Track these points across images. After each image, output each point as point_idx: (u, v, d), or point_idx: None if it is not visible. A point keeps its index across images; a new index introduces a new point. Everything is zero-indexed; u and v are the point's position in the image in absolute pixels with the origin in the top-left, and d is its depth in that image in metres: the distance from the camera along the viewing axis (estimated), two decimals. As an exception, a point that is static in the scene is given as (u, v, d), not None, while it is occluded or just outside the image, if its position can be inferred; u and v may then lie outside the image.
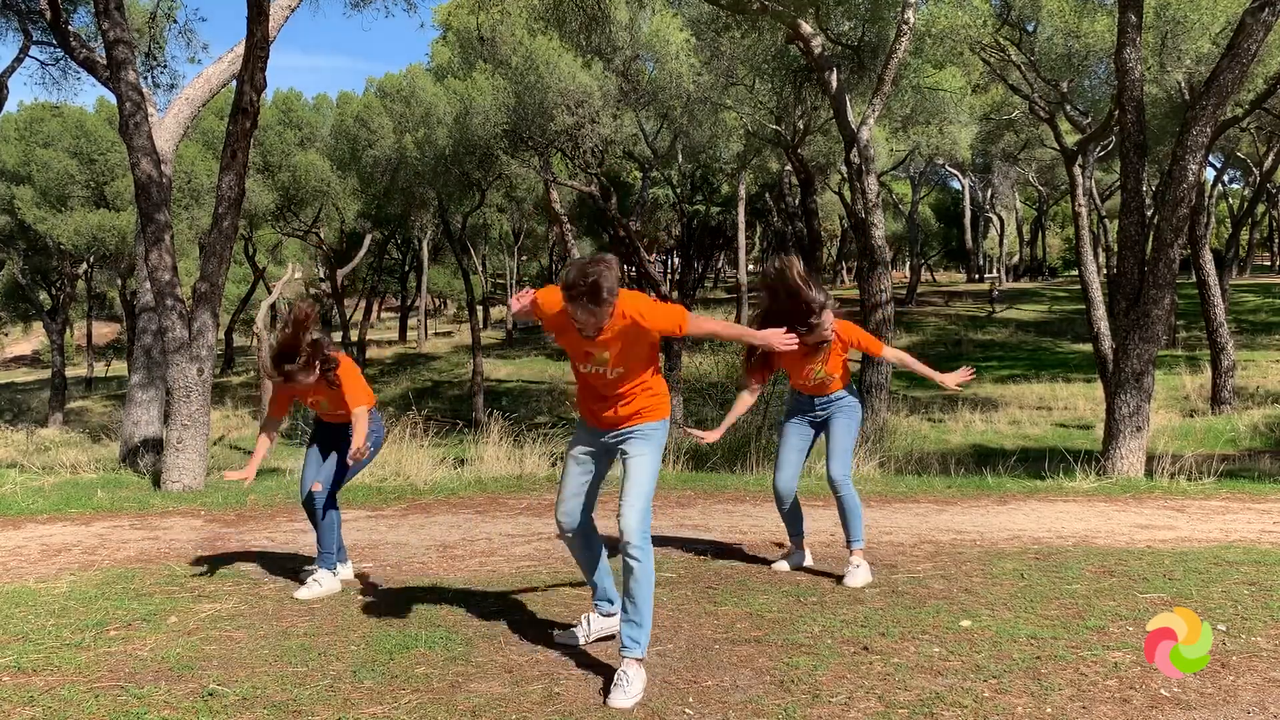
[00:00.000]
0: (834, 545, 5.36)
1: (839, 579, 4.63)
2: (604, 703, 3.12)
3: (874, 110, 12.13)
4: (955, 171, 45.09)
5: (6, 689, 3.27)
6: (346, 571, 4.89)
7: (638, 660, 3.24)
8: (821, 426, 4.80)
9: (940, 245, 60.01)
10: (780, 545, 5.47)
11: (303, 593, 4.49)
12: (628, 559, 3.27)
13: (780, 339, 3.55)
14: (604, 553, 3.75)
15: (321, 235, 31.11)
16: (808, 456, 4.93)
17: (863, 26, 14.53)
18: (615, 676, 3.21)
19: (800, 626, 3.92)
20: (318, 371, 4.39)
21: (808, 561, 4.99)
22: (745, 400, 4.76)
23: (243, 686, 3.27)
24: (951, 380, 4.68)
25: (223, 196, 8.72)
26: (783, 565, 4.98)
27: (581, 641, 3.73)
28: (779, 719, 3.00)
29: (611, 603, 3.76)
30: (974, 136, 25.30)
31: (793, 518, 4.94)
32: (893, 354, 4.88)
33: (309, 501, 4.65)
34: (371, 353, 40.59)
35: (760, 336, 3.62)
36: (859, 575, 4.59)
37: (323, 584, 4.53)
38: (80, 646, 3.74)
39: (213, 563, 5.27)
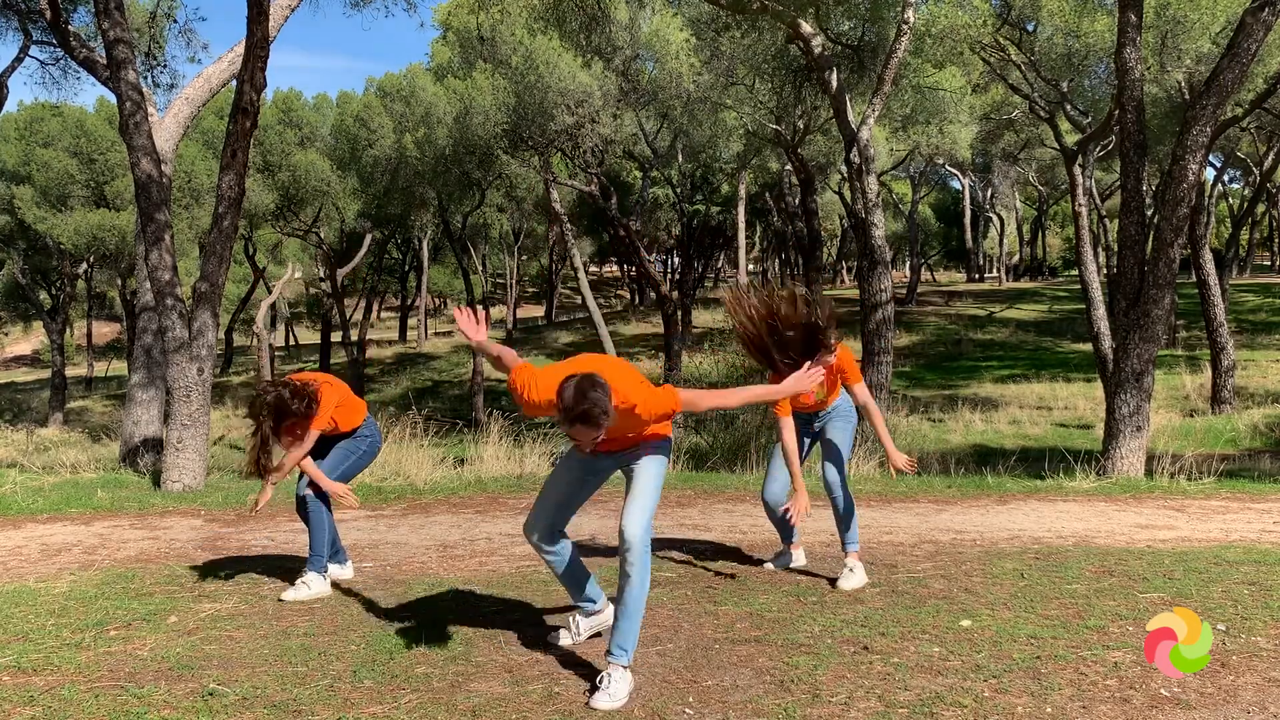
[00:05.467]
0: (834, 545, 5.35)
1: (833, 581, 4.63)
2: (586, 702, 3.10)
3: (874, 110, 12.13)
4: (955, 171, 45.06)
5: (6, 689, 3.27)
6: (347, 572, 4.88)
7: (624, 666, 3.21)
8: (817, 435, 4.81)
9: (940, 245, 60.01)
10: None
11: (289, 594, 4.47)
12: (626, 567, 3.23)
13: (807, 381, 3.43)
14: (578, 554, 3.69)
15: (321, 235, 31.07)
16: (802, 464, 4.92)
17: (863, 26, 14.53)
18: (599, 678, 3.19)
19: (800, 626, 3.91)
20: (304, 411, 4.46)
21: (800, 562, 4.99)
22: (789, 427, 4.50)
23: (243, 686, 3.27)
24: (899, 461, 4.63)
25: (223, 196, 8.72)
26: (772, 565, 4.98)
27: (571, 642, 3.72)
28: (779, 719, 2.99)
29: (594, 601, 3.74)
30: (974, 136, 25.28)
31: (782, 523, 4.94)
32: (864, 394, 4.70)
33: (301, 506, 4.65)
34: (372, 352, 40.58)
35: (784, 390, 3.44)
36: (853, 579, 4.56)
37: (311, 586, 4.50)
38: (80, 646, 3.74)
39: (213, 563, 5.27)
